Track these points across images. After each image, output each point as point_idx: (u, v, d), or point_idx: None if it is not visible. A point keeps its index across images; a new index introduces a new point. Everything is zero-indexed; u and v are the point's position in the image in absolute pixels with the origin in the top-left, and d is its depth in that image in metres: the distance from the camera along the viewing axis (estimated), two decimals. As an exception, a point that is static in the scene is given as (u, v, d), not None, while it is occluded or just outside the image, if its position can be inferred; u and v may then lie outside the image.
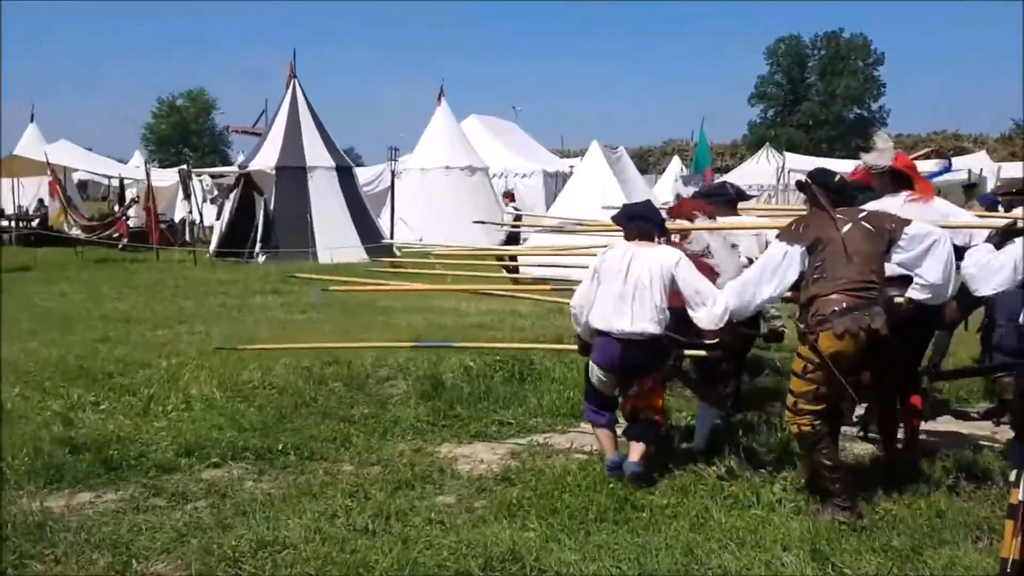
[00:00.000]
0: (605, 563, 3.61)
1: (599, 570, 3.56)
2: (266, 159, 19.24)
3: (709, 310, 4.41)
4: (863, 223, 4.24)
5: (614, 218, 4.99)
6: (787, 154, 29.28)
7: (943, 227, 4.42)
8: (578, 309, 4.74)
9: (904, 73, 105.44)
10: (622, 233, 4.85)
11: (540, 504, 4.22)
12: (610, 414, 4.80)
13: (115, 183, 24.45)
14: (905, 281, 4.37)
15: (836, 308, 4.07)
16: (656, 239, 4.72)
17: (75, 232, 19.76)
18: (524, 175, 25.37)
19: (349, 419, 5.84)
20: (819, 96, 61.26)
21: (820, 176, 4.52)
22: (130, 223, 21.53)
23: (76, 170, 24.74)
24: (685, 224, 5.15)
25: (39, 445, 4.96)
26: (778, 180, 25.03)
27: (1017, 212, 5.63)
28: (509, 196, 16.85)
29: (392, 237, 19.24)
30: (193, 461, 4.97)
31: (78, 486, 4.59)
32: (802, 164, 26.35)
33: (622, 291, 4.52)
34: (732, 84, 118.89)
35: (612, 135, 72.94)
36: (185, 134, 60.52)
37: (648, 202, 5.15)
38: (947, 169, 8.34)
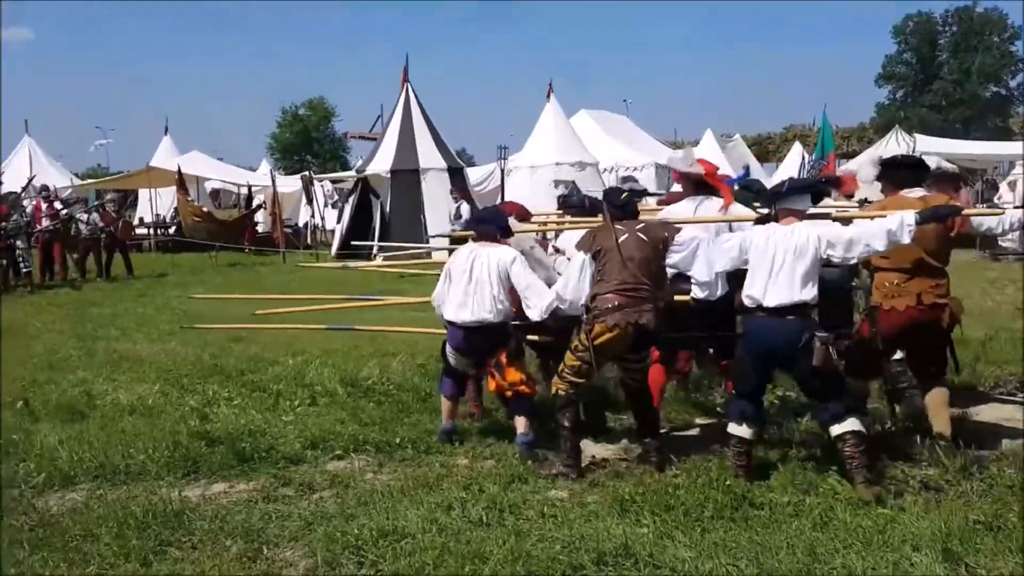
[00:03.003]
0: (722, 561, 3.52)
1: (715, 568, 3.48)
2: (381, 163, 19.84)
3: (536, 303, 5.16)
4: (638, 233, 4.90)
5: (466, 223, 5.81)
6: (918, 136, 27.57)
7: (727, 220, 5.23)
8: (436, 302, 5.58)
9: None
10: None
11: (653, 500, 4.18)
12: (456, 388, 5.54)
13: (244, 191, 25.76)
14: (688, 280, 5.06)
15: (610, 305, 4.76)
16: (498, 240, 5.40)
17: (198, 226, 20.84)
18: (635, 168, 25.00)
19: (462, 414, 5.95)
20: (952, 75, 57.31)
21: (610, 194, 5.28)
22: (257, 228, 22.69)
23: (208, 179, 26.22)
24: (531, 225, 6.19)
25: (177, 438, 5.30)
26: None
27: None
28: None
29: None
30: (318, 453, 5.21)
31: (213, 477, 4.88)
32: (935, 146, 24.72)
33: (466, 287, 5.26)
34: (857, 65, 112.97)
35: (729, 124, 70.64)
36: (307, 141, 62.84)
37: (492, 207, 5.79)
38: (745, 175, 8.20)
